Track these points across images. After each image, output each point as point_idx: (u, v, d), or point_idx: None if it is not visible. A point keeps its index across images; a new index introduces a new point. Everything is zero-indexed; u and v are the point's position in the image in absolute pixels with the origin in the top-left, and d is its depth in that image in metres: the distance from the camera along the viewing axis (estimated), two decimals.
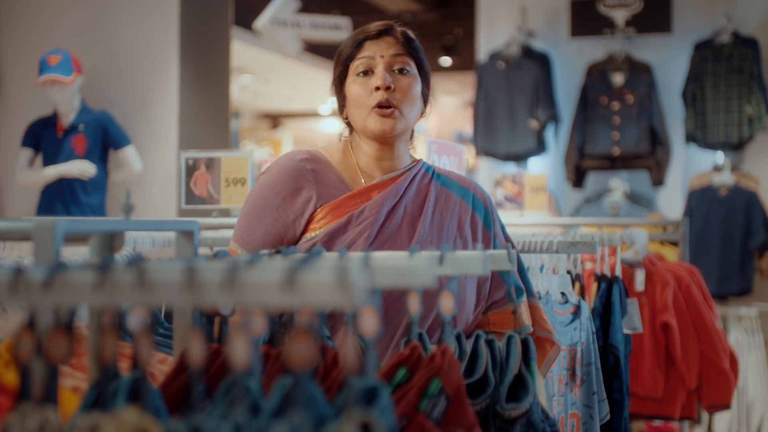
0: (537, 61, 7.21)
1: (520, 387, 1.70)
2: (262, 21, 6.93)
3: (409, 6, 10.74)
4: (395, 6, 10.84)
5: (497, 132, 7.23)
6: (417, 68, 2.22)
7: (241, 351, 1.05)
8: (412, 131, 2.31)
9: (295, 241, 2.16)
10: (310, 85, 13.71)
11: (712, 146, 6.99)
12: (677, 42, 7.23)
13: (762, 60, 6.93)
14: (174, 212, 5.39)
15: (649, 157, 6.96)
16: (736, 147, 6.95)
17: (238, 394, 1.08)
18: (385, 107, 2.14)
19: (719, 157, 7.05)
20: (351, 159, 2.26)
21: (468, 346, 1.75)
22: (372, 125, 2.16)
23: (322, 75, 12.48)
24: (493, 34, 7.70)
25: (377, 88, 2.14)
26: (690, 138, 7.02)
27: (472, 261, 1.58)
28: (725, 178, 6.85)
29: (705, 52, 6.99)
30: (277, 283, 1.03)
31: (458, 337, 1.75)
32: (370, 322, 1.28)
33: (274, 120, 16.89)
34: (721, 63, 6.93)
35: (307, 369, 1.03)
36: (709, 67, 6.96)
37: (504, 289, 2.23)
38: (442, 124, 11.03)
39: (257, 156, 14.02)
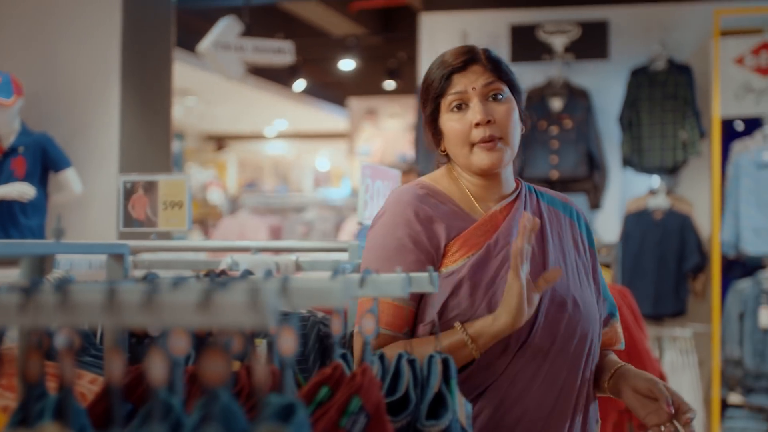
0: None
1: (440, 405, 1.76)
2: (204, 44, 6.97)
3: (353, 29, 10.82)
4: (340, 30, 10.92)
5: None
6: (510, 88, 2.14)
7: (159, 369, 1.10)
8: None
9: None
10: (256, 107, 13.74)
11: (648, 170, 7.14)
12: (614, 68, 7.39)
13: (696, 86, 7.11)
14: (114, 235, 5.39)
15: (587, 180, 7.09)
16: (671, 171, 7.11)
17: (156, 410, 1.12)
18: (489, 141, 2.07)
19: (655, 181, 7.21)
20: (462, 188, 2.18)
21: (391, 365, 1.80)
22: (478, 161, 2.10)
23: (267, 97, 12.52)
24: (435, 58, 7.78)
25: (477, 124, 2.07)
26: (627, 162, 7.18)
27: (392, 283, 1.64)
28: (660, 202, 7.00)
29: (641, 79, 7.15)
30: (193, 304, 1.08)
31: (381, 357, 1.81)
32: (288, 342, 1.34)
33: (220, 142, 16.88)
34: (657, 89, 7.10)
35: (221, 385, 1.08)
36: (645, 93, 7.13)
37: (606, 307, 2.25)
38: (386, 146, 11.10)
39: (202, 178, 14.01)
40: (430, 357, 1.81)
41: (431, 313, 2.04)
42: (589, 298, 2.14)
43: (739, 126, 7.09)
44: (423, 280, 1.85)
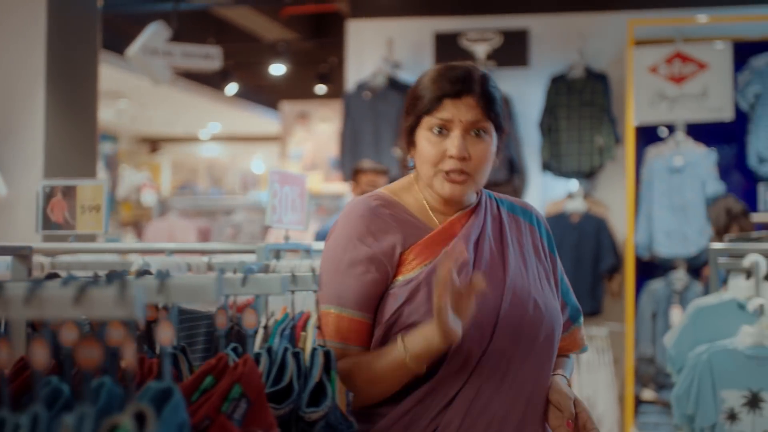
0: (402, 92, 7.50)
1: (321, 393, 1.92)
2: (133, 49, 7.06)
3: (285, 35, 10.96)
4: (272, 35, 11.04)
5: (363, 157, 7.49)
6: (494, 127, 2.14)
7: (40, 354, 1.24)
8: None
9: (388, 286, 2.10)
10: (189, 110, 13.80)
11: (566, 174, 7.38)
12: (534, 75, 7.62)
13: (612, 94, 7.37)
14: (39, 237, 5.47)
15: (507, 184, 7.31)
16: (587, 175, 7.36)
17: (38, 390, 1.27)
18: (457, 173, 2.09)
19: (573, 185, 7.45)
20: (419, 198, 2.20)
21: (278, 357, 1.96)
22: (440, 188, 2.12)
23: (200, 100, 12.61)
24: (362, 64, 7.98)
25: (452, 156, 2.08)
26: (546, 167, 7.41)
27: (272, 282, 1.80)
28: (577, 205, 7.25)
29: (559, 86, 7.40)
30: (69, 298, 1.23)
31: (269, 350, 1.97)
32: (166, 334, 1.49)
33: (154, 144, 16.89)
34: (574, 96, 7.35)
35: (93, 369, 1.23)
36: (563, 100, 7.37)
37: (567, 312, 2.28)
38: (317, 149, 11.25)
39: (135, 180, 14.02)
40: (314, 350, 1.97)
41: (383, 321, 2.07)
42: (551, 301, 2.15)
43: (663, 132, 7.35)
44: (307, 280, 2.01)
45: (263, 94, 13.11)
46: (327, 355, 1.96)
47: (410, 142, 2.19)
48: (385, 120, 7.43)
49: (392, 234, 2.11)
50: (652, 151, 7.20)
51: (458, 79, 2.11)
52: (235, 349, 1.92)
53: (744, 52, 7.17)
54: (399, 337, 2.02)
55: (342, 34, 8.63)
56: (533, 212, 2.30)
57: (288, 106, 12.20)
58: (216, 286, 1.48)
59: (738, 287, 3.64)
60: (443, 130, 2.09)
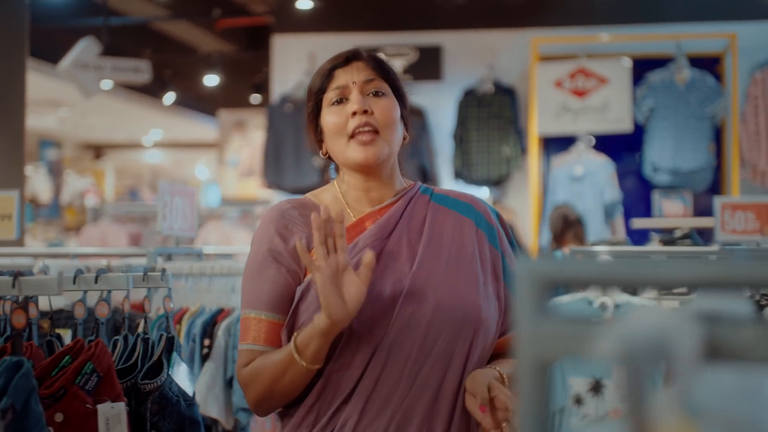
0: None
1: (158, 370, 2.33)
2: (64, 64, 7.43)
3: (221, 46, 11.35)
4: (209, 46, 11.43)
5: (285, 168, 7.92)
6: (392, 90, 2.12)
7: None
8: (400, 158, 2.17)
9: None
10: (130, 118, 14.13)
11: (476, 182, 7.86)
12: (448, 89, 8.09)
13: (519, 107, 7.86)
14: None
15: None
16: (496, 183, 7.84)
17: None
18: (365, 132, 2.02)
19: (484, 192, 7.92)
20: (338, 196, 2.16)
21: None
22: (353, 154, 2.04)
23: (140, 109, 12.96)
24: (286, 77, 8.40)
25: (354, 114, 2.03)
26: (458, 175, 7.88)
27: (119, 280, 2.21)
28: None
29: (470, 99, 7.87)
30: None
31: (125, 337, 2.39)
32: (18, 319, 1.91)
33: (98, 150, 17.18)
34: (484, 109, 7.83)
35: None
36: (474, 113, 7.85)
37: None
38: (253, 156, 11.64)
39: (79, 185, 14.31)
40: (161, 335, 2.39)
41: (285, 323, 2.04)
42: (469, 297, 2.01)
43: (591, 142, 7.82)
44: (156, 278, 2.43)
45: (202, 102, 13.49)
46: (169, 340, 2.38)
47: (317, 134, 2.15)
48: (305, 130, 7.84)
49: (299, 233, 2.07)
50: (557, 161, 7.70)
51: (344, 53, 2.13)
52: (125, 337, 2.37)
53: (641, 68, 7.68)
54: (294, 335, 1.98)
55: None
56: (473, 205, 2.17)
57: (225, 115, 12.59)
58: (56, 283, 1.90)
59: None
60: (342, 99, 2.06)
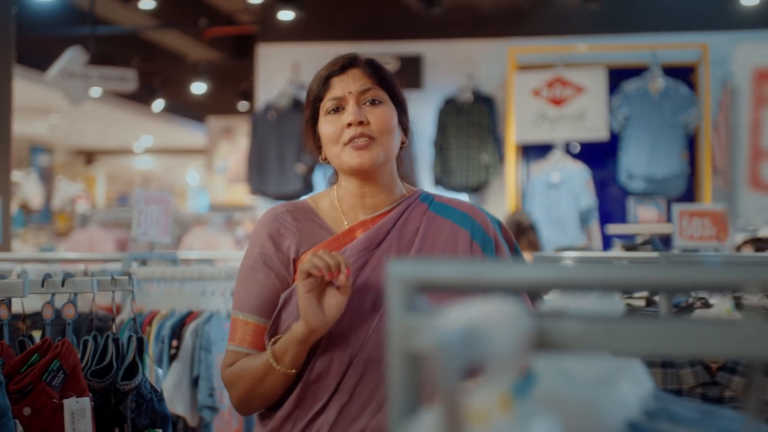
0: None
1: (134, 371, 2.50)
2: (51, 72, 7.59)
3: (209, 54, 11.51)
4: (197, 54, 11.59)
5: (268, 175, 8.09)
6: (390, 97, 2.13)
7: None
8: (399, 164, 2.19)
9: None
10: (119, 125, 14.29)
11: (455, 189, 8.03)
12: (428, 97, 8.26)
13: (497, 115, 8.03)
14: None
15: None
16: (475, 190, 8.01)
17: None
18: (360, 140, 2.05)
19: (464, 198, 8.09)
20: (334, 203, 2.17)
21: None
22: (348, 159, 2.06)
23: (130, 116, 13.12)
24: (271, 85, 8.57)
25: (349, 125, 2.05)
26: (437, 181, 8.05)
27: (83, 283, 2.37)
28: None
29: (450, 108, 8.05)
30: None
31: (95, 337, 2.55)
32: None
33: (89, 156, 17.34)
34: (463, 117, 8.00)
35: None
36: (453, 121, 8.02)
37: None
38: (241, 162, 11.81)
39: (70, 191, 14.46)
40: (129, 336, 2.55)
41: (272, 326, 2.05)
42: None
43: (575, 148, 7.98)
44: (123, 282, 2.59)
45: (191, 109, 13.66)
46: (139, 341, 2.54)
47: (316, 140, 2.17)
48: (288, 139, 8.02)
49: (290, 239, 2.09)
50: (535, 168, 7.87)
51: (340, 59, 2.13)
52: (95, 337, 2.52)
53: (618, 77, 7.86)
54: (272, 340, 2.01)
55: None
56: (470, 213, 2.16)
57: (214, 122, 12.76)
58: (23, 286, 2.07)
59: None
60: (339, 108, 2.08)
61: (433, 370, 0.83)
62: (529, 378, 0.99)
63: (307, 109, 2.17)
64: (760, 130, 0.96)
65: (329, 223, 2.15)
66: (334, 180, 2.23)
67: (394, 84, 2.16)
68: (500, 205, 8.03)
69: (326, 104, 2.10)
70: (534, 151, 8.03)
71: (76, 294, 2.41)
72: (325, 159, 2.16)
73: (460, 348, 0.84)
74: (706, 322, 0.96)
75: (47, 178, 15.31)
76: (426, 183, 8.18)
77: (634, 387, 1.27)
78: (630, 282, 1.05)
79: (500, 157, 7.94)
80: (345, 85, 2.09)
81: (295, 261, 2.09)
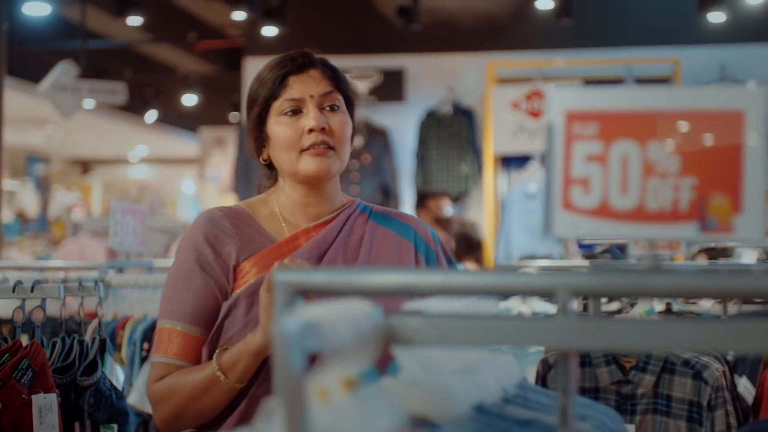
0: None
1: (94, 368, 2.71)
2: (43, 86, 7.83)
3: (202, 66, 11.75)
4: (190, 66, 11.82)
5: (254, 184, 8.29)
6: (344, 100, 2.08)
7: None
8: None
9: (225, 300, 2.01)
10: (114, 135, 14.51)
11: None
12: (410, 110, 8.49)
13: (476, 127, 8.26)
14: None
15: (383, 207, 8.15)
16: (455, 199, 8.23)
17: None
18: (320, 149, 1.99)
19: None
20: (274, 209, 2.09)
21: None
22: (305, 167, 1.99)
23: (124, 126, 13.35)
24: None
25: (311, 130, 1.98)
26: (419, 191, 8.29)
27: (52, 289, 2.59)
28: None
29: (431, 120, 8.29)
30: None
31: (62, 339, 2.77)
32: None
33: (85, 166, 17.58)
34: (444, 129, 8.24)
35: None
36: (434, 132, 8.26)
37: None
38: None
39: (66, 200, 14.68)
40: (93, 338, 2.77)
41: (208, 339, 1.99)
42: None
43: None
44: (89, 288, 2.81)
45: (184, 120, 13.90)
46: (102, 342, 2.76)
47: (260, 140, 2.08)
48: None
49: (230, 245, 2.01)
50: (514, 178, 8.10)
51: (297, 56, 2.05)
52: (63, 338, 2.74)
53: None
54: (216, 352, 1.93)
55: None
56: (412, 225, 2.14)
57: (206, 132, 13.00)
58: None
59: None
60: (297, 110, 2.01)
61: (278, 357, 1.03)
62: (375, 367, 1.18)
63: (255, 106, 2.06)
64: (570, 162, 1.08)
65: (269, 230, 2.07)
66: (268, 184, 2.15)
67: (348, 87, 2.12)
68: (479, 213, 8.25)
69: (282, 105, 2.01)
70: (515, 162, 8.25)
71: (44, 300, 2.62)
72: (267, 161, 2.09)
73: (299, 338, 1.04)
74: (518, 318, 1.18)
75: (44, 187, 15.54)
76: (409, 192, 8.40)
77: (496, 377, 1.48)
78: (466, 288, 1.26)
79: (479, 168, 8.16)
80: (305, 87, 2.01)
81: (235, 268, 2.01)
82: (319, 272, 1.30)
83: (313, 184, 2.05)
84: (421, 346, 1.24)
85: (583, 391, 2.57)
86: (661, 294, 1.17)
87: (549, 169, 1.24)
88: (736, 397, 2.67)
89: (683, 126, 1.20)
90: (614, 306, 3.31)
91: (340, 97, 2.06)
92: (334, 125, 2.02)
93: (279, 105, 2.01)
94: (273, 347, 1.01)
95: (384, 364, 1.56)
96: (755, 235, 1.18)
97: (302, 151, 2.00)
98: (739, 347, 1.06)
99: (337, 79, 2.07)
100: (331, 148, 2.01)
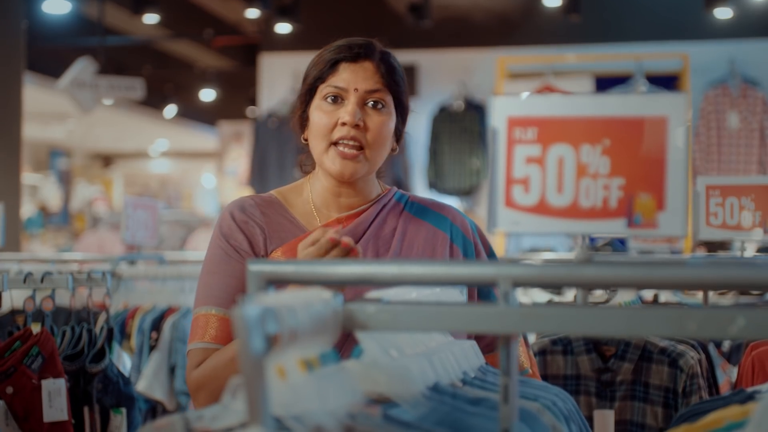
0: None
1: (102, 356, 2.86)
2: (62, 82, 7.99)
3: (220, 61, 11.90)
4: (209, 62, 11.98)
5: (268, 179, 8.47)
6: (395, 102, 1.99)
7: None
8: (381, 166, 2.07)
9: None
10: (134, 129, 14.70)
11: (448, 192, 8.38)
12: (422, 104, 8.60)
13: (487, 122, 8.37)
14: None
15: None
16: (467, 193, 8.36)
17: None
18: (349, 146, 1.93)
19: (454, 201, 8.44)
20: (307, 198, 2.05)
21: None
22: (329, 164, 1.95)
23: (144, 120, 13.53)
24: (273, 93, 8.95)
25: (344, 123, 1.92)
26: (431, 185, 8.41)
27: (61, 280, 2.73)
28: None
29: (443, 115, 8.41)
30: None
31: (72, 328, 2.91)
32: None
33: (107, 160, 17.79)
34: (456, 124, 8.36)
35: None
36: (446, 127, 8.38)
37: None
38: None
39: (88, 194, 14.88)
40: (101, 328, 2.91)
41: None
42: None
43: None
44: (97, 279, 2.95)
45: (203, 114, 14.07)
46: (110, 331, 2.90)
47: (303, 121, 2.03)
48: (288, 145, 8.40)
49: (258, 234, 1.98)
50: None
51: (357, 44, 1.98)
52: (72, 327, 2.89)
53: (605, 85, 8.17)
54: None
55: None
56: (449, 216, 2.08)
57: (225, 126, 13.16)
58: (4, 282, 2.43)
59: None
60: (338, 98, 1.94)
61: (240, 338, 1.15)
62: (335, 350, 1.30)
63: (304, 84, 2.01)
64: (512, 164, 1.14)
65: (300, 219, 2.02)
66: (309, 163, 2.09)
67: (403, 90, 2.02)
68: None
69: (326, 89, 1.95)
70: None
71: (53, 290, 2.76)
72: (306, 140, 2.03)
73: (259, 321, 1.15)
74: (462, 305, 1.30)
75: (66, 180, 15.75)
76: (420, 186, 8.53)
77: (456, 361, 1.60)
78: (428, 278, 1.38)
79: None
80: (353, 77, 1.94)
81: (266, 256, 1.98)
82: (288, 264, 1.41)
83: (340, 180, 1.99)
84: (376, 330, 1.34)
85: (565, 379, 2.69)
86: (591, 284, 1.28)
87: (493, 170, 1.36)
88: (713, 385, 2.79)
89: (613, 131, 1.32)
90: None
91: (389, 98, 1.97)
92: (371, 124, 1.93)
93: (323, 89, 1.96)
94: (236, 330, 1.08)
95: (349, 348, 1.68)
96: (677, 230, 1.30)
97: (332, 143, 1.94)
98: (649, 331, 1.18)
99: (390, 78, 1.97)
100: (361, 148, 1.94)
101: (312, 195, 2.04)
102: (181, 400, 3.63)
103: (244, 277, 1.93)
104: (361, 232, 2.01)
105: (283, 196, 2.07)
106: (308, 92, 1.99)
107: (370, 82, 1.94)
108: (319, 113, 1.95)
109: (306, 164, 2.11)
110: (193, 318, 1.96)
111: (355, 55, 1.95)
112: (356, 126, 1.92)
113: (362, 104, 1.94)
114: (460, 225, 2.08)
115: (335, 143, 1.94)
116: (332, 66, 1.94)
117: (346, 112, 1.92)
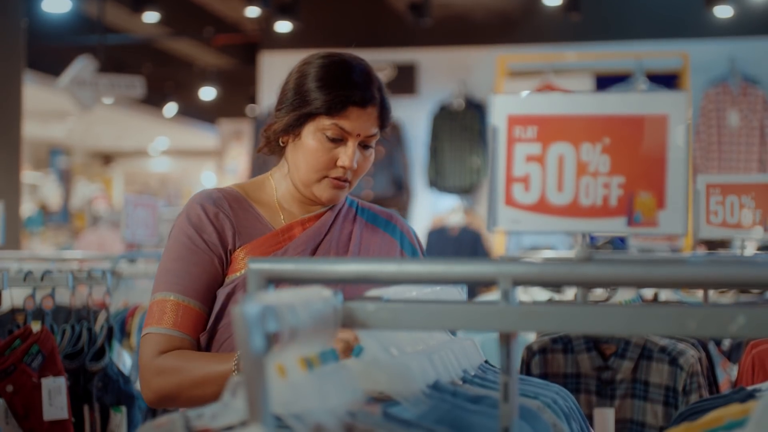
0: None
1: (102, 354, 2.86)
2: (63, 81, 7.99)
3: (220, 60, 11.90)
4: (209, 60, 11.97)
5: None
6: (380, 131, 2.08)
7: None
8: None
9: (221, 283, 2.01)
10: (134, 128, 14.70)
11: (448, 191, 8.39)
12: (422, 103, 8.62)
13: (487, 121, 8.37)
14: None
15: (396, 199, 8.30)
16: (467, 191, 8.36)
17: None
18: (341, 180, 2.03)
19: (455, 200, 8.44)
20: (271, 196, 2.11)
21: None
22: (320, 192, 2.04)
23: (144, 119, 13.53)
24: (274, 91, 8.92)
25: (342, 166, 2.01)
26: (432, 184, 8.41)
27: (61, 279, 2.74)
28: (457, 219, 8.23)
29: (443, 113, 8.41)
30: None
31: (72, 326, 2.91)
32: None
33: (107, 158, 17.79)
34: (456, 123, 8.36)
35: None
36: (447, 126, 8.38)
37: None
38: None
39: (88, 192, 14.88)
40: (101, 326, 2.92)
41: (208, 327, 1.98)
42: None
43: None
44: (97, 278, 2.95)
45: (204, 112, 14.06)
46: (109, 329, 2.90)
47: (289, 128, 2.05)
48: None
49: (228, 227, 2.02)
50: None
51: (362, 83, 2.04)
52: (72, 326, 2.89)
53: (605, 84, 8.17)
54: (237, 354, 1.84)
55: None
56: (398, 225, 2.20)
57: (225, 125, 13.16)
58: (5, 280, 2.43)
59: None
60: (339, 139, 2.00)
61: (240, 337, 1.15)
62: (336, 350, 1.30)
63: (305, 103, 2.02)
64: (512, 162, 1.15)
65: (265, 216, 2.07)
66: (275, 155, 2.15)
67: (389, 124, 2.10)
68: None
69: (330, 127, 1.98)
70: None
71: (53, 288, 2.77)
72: (284, 144, 2.08)
73: (259, 320, 1.15)
74: (462, 304, 1.30)
75: (66, 179, 15.75)
76: (421, 185, 8.53)
77: (457, 359, 1.60)
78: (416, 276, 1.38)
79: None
80: (358, 125, 1.99)
81: (231, 252, 2.01)
82: (288, 262, 1.41)
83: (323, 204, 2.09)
84: (375, 329, 1.34)
85: (566, 377, 2.69)
86: (591, 283, 1.28)
87: (493, 168, 1.36)
88: (713, 383, 2.79)
89: (613, 129, 1.32)
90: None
91: (378, 133, 2.06)
92: (361, 163, 2.02)
93: (327, 123, 1.99)
94: (237, 328, 1.08)
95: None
96: (677, 229, 1.30)
97: (325, 177, 2.02)
98: (649, 330, 1.18)
99: (385, 120, 2.07)
100: (349, 182, 2.04)
101: (277, 193, 2.11)
102: None
103: (208, 268, 1.97)
104: (322, 234, 2.09)
105: (244, 191, 2.11)
106: (307, 115, 2.01)
107: (371, 128, 2.02)
108: (318, 146, 2.00)
109: (271, 153, 2.17)
110: (151, 302, 1.98)
111: (363, 100, 2.00)
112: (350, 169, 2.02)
113: (359, 146, 2.02)
114: (407, 233, 2.20)
115: (328, 177, 2.02)
116: (343, 107, 1.99)
117: (347, 156, 1.99)
